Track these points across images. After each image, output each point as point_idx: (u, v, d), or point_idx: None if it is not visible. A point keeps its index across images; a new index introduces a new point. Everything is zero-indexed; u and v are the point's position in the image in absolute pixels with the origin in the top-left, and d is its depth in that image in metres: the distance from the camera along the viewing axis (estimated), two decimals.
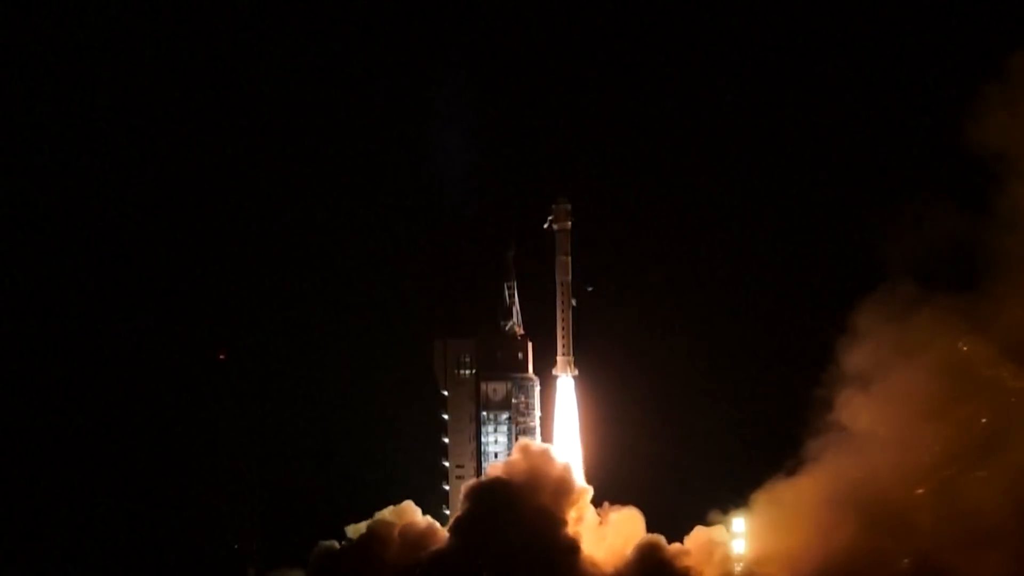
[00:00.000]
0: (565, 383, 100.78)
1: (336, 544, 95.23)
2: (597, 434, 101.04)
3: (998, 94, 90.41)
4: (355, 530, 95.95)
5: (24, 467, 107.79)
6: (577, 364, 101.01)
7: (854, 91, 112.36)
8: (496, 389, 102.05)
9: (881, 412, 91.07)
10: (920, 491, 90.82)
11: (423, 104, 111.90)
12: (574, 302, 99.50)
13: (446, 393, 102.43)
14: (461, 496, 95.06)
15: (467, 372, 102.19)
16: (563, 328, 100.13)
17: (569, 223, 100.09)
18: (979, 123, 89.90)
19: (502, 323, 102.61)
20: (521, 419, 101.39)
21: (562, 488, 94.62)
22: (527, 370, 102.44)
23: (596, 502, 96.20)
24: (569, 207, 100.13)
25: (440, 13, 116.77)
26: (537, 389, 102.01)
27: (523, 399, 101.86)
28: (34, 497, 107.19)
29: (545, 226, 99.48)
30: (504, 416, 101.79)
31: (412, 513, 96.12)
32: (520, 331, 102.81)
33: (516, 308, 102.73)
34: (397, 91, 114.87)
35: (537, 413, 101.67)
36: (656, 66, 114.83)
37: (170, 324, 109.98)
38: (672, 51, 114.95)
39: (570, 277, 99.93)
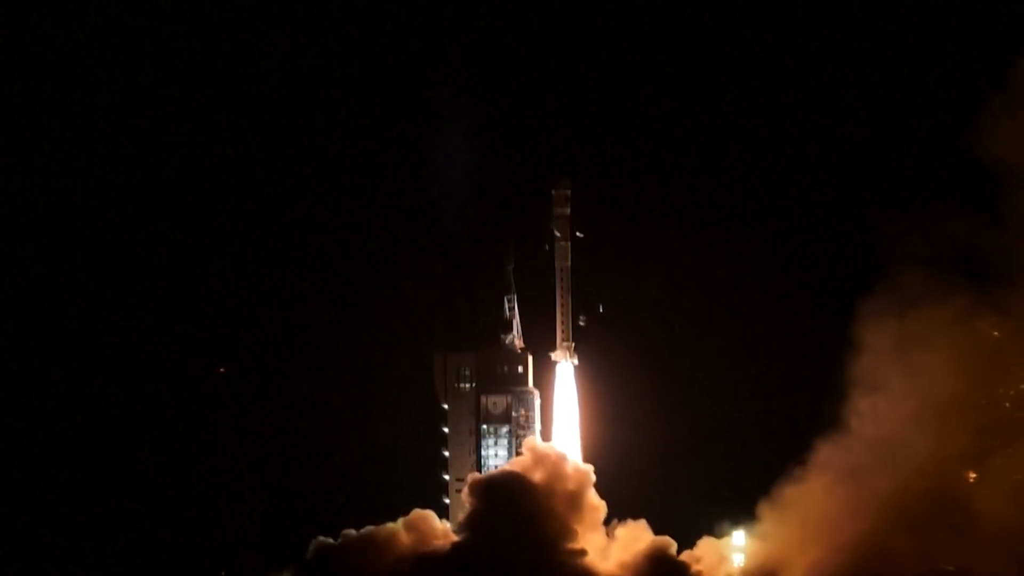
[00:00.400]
0: (564, 369, 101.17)
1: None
2: (597, 437, 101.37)
3: (1003, 104, 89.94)
4: None
5: (23, 468, 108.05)
6: (577, 369, 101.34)
7: (855, 91, 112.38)
8: (496, 402, 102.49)
9: (895, 408, 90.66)
10: (973, 476, 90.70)
11: (423, 108, 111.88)
12: (582, 322, 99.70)
13: (446, 406, 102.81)
14: (470, 489, 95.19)
15: (467, 385, 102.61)
16: (562, 315, 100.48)
17: (569, 209, 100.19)
18: (984, 132, 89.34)
19: (502, 336, 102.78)
20: (521, 432, 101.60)
21: (576, 499, 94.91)
22: (527, 383, 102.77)
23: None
24: (569, 192, 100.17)
25: (440, 13, 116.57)
26: (537, 402, 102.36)
27: (523, 412, 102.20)
28: (35, 498, 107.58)
29: (547, 248, 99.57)
30: (504, 429, 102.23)
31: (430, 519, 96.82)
32: (520, 344, 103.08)
33: (516, 321, 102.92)
34: (397, 93, 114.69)
35: (537, 427, 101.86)
36: (659, 66, 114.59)
37: (169, 333, 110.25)
38: (676, 53, 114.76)
39: (569, 263, 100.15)
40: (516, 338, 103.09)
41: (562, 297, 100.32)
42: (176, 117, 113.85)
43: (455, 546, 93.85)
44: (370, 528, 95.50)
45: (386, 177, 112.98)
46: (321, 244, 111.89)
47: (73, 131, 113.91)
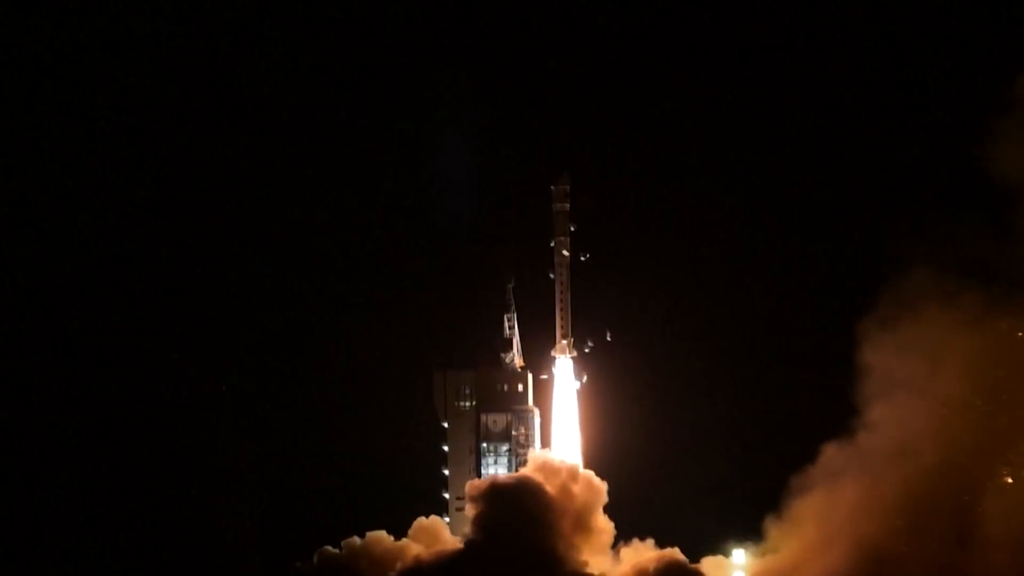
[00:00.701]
0: (564, 364, 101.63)
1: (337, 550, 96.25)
2: (595, 441, 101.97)
3: (1010, 124, 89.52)
4: None
5: (23, 468, 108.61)
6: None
7: (856, 91, 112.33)
8: (496, 421, 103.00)
9: (904, 412, 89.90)
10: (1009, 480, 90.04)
11: (423, 108, 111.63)
12: (588, 349, 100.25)
13: (446, 425, 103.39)
14: (476, 491, 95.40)
15: (467, 404, 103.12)
16: (562, 310, 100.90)
17: (568, 204, 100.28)
18: (994, 152, 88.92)
19: (502, 355, 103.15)
20: (521, 451, 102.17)
21: (584, 519, 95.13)
22: (527, 402, 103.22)
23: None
24: (568, 188, 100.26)
25: (440, 13, 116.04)
26: (537, 421, 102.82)
27: (523, 431, 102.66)
28: (35, 498, 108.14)
29: (550, 275, 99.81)
30: (504, 448, 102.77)
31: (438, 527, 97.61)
32: (520, 363, 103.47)
33: (516, 339, 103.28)
34: (397, 98, 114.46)
35: (537, 444, 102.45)
36: (660, 66, 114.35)
37: (168, 336, 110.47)
38: (677, 52, 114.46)
39: (569, 258, 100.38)
40: (516, 356, 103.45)
41: (561, 294, 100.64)
42: (176, 117, 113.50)
43: (457, 552, 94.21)
44: (374, 534, 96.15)
45: (385, 177, 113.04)
46: (320, 263, 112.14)
47: (73, 131, 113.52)
